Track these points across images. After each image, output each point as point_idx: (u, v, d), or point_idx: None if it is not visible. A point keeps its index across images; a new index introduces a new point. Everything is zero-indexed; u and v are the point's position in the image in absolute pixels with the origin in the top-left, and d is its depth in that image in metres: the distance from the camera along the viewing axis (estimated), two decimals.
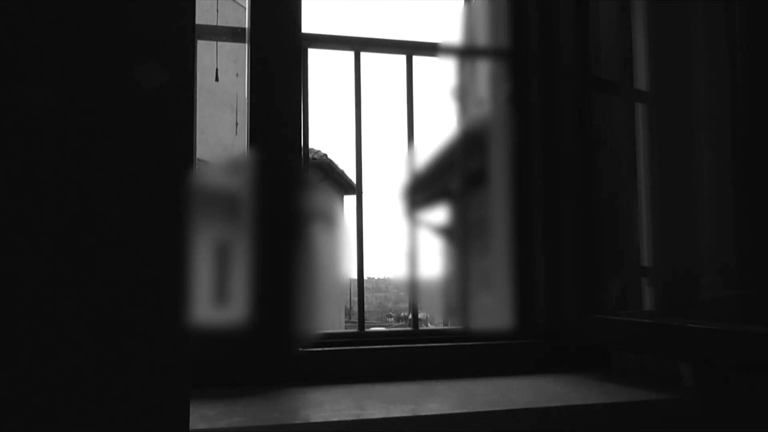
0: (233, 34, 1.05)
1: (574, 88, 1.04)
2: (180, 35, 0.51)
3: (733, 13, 0.93)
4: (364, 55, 1.09)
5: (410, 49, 1.11)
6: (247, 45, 0.97)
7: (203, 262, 0.90)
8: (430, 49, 1.13)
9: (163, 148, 0.49)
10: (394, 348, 0.98)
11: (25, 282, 0.45)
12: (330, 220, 1.10)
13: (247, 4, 0.97)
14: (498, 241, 1.11)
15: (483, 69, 1.18)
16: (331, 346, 0.97)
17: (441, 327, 1.11)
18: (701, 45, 1.01)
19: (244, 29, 0.98)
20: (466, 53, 1.22)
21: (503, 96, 1.13)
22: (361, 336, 1.02)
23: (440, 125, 1.19)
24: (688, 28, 1.03)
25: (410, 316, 1.08)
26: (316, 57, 1.05)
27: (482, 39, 1.19)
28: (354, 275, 1.06)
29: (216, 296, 0.93)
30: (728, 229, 0.97)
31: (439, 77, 1.19)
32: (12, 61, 0.46)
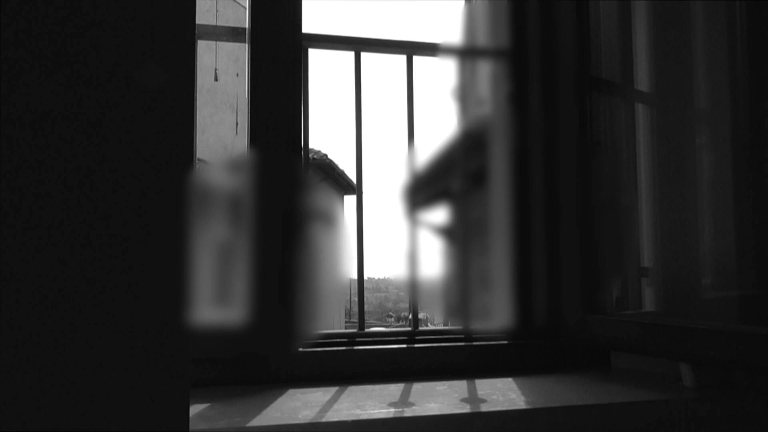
0: (233, 34, 1.05)
1: (574, 89, 1.04)
2: (180, 35, 0.51)
3: (734, 13, 0.93)
4: (364, 55, 1.09)
5: (410, 49, 1.11)
6: (247, 45, 0.97)
7: (203, 262, 0.90)
8: (430, 49, 1.13)
9: (163, 148, 0.49)
10: (394, 348, 0.98)
11: (25, 282, 0.45)
12: (330, 220, 1.09)
13: (247, 4, 0.97)
14: (498, 241, 1.11)
15: (483, 69, 1.18)
16: (331, 346, 0.97)
17: (441, 327, 1.11)
18: (701, 45, 1.01)
19: (244, 29, 0.98)
20: (466, 53, 1.22)
21: (503, 96, 1.13)
22: (361, 336, 1.02)
23: (440, 125, 1.19)
24: (688, 28, 1.03)
25: (410, 316, 1.08)
26: (316, 57, 1.05)
27: (482, 39, 1.19)
28: (354, 275, 1.07)
29: (216, 296, 0.93)
30: (728, 229, 0.97)
31: (439, 77, 1.19)
32: (11, 61, 0.46)
